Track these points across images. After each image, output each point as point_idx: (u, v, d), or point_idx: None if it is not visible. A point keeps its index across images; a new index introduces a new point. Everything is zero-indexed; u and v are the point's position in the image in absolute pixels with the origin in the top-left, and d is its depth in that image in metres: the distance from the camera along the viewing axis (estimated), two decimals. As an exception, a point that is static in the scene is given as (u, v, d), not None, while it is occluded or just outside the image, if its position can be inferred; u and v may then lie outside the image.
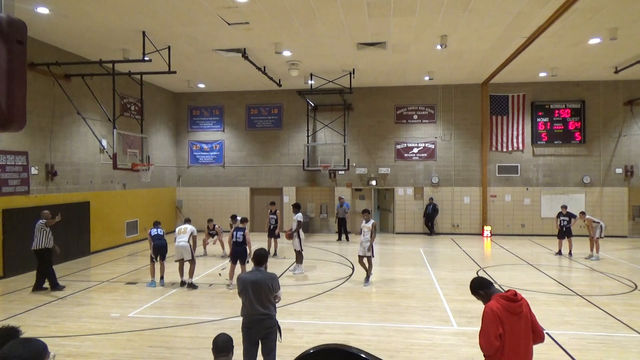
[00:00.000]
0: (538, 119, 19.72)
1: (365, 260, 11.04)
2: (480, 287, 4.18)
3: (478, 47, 14.27)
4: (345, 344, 4.12)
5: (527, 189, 19.85)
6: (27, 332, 3.35)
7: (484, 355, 4.03)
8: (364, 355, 3.45)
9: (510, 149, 19.88)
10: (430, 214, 19.90)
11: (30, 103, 12.69)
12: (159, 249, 10.94)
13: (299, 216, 12.58)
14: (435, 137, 20.33)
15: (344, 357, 3.54)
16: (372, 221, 10.93)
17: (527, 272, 12.50)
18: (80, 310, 9.09)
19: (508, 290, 4.08)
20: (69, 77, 14.14)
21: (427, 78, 18.63)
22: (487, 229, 19.62)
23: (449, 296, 10.02)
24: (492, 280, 4.30)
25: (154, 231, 11.17)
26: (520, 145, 19.81)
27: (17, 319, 8.46)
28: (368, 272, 11.13)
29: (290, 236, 12.39)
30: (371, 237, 10.82)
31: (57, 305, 9.45)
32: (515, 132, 19.84)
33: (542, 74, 18.18)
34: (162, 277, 11.14)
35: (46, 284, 10.65)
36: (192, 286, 10.68)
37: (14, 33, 1.68)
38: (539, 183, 19.80)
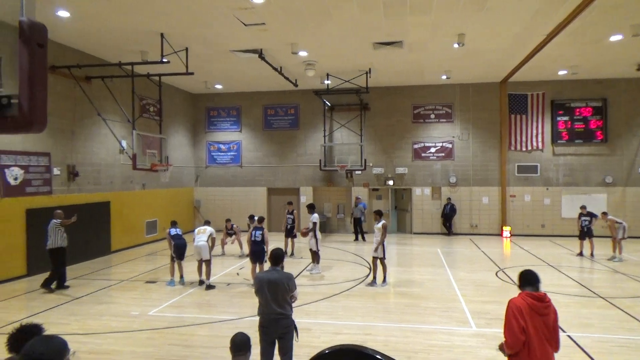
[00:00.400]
0: (558, 118, 19.39)
1: (377, 261, 10.95)
2: (538, 280, 4.13)
3: (496, 45, 14.09)
4: (361, 345, 4.11)
5: (547, 188, 19.53)
6: (49, 330, 3.42)
7: (507, 356, 3.99)
8: (379, 357, 3.43)
9: (529, 148, 19.59)
10: (448, 214, 19.72)
11: (52, 105, 12.96)
12: (180, 249, 11.08)
13: (315, 217, 12.60)
14: (453, 137, 20.14)
15: (360, 357, 3.52)
16: (381, 222, 10.82)
17: (547, 274, 12.29)
18: (102, 309, 9.25)
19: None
20: (89, 79, 14.39)
21: (444, 77, 18.47)
22: (507, 230, 19.37)
23: (468, 297, 9.92)
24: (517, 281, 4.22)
25: (173, 231, 11.30)
26: (540, 144, 19.50)
27: (40, 316, 8.64)
28: (374, 272, 11.05)
29: (305, 234, 12.43)
30: (381, 238, 10.76)
31: (79, 304, 9.63)
32: (534, 131, 19.54)
33: (562, 72, 17.86)
34: (181, 276, 11.27)
35: (53, 285, 10.75)
36: (210, 287, 10.77)
37: (35, 36, 1.71)
38: (559, 183, 19.47)
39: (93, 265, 13.73)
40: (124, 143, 15.63)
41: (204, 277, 10.98)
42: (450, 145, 20.14)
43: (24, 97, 1.72)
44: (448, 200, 19.83)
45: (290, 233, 14.94)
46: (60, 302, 9.71)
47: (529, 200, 19.61)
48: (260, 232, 10.74)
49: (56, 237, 10.57)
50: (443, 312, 8.89)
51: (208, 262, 10.88)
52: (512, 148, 19.70)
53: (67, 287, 10.87)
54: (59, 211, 10.90)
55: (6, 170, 11.56)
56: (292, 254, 14.97)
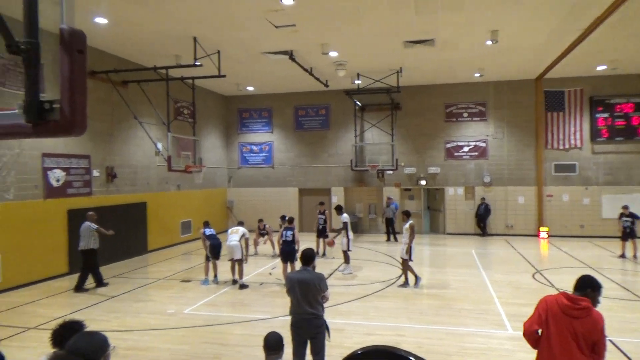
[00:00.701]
0: (597, 115, 18.71)
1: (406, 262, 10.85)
2: (590, 286, 3.91)
3: (531, 41, 13.73)
4: (394, 346, 4.07)
5: (586, 188, 18.87)
6: (90, 326, 3.54)
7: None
8: (412, 358, 3.39)
9: (567, 146, 18.98)
10: (482, 215, 19.33)
11: (92, 109, 13.40)
12: (215, 248, 11.28)
13: (345, 216, 12.60)
14: (487, 135, 19.74)
15: (393, 359, 3.49)
16: (409, 222, 10.70)
17: (587, 275, 11.88)
18: (139, 306, 9.50)
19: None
20: (126, 83, 14.83)
21: (477, 75, 18.12)
22: (544, 230, 18.83)
23: (504, 299, 9.69)
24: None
25: (208, 231, 11.52)
26: (578, 142, 18.87)
27: (82, 313, 8.95)
28: (405, 274, 10.93)
29: (332, 244, 12.54)
30: (408, 239, 10.64)
31: (118, 301, 9.93)
32: (572, 129, 18.92)
33: (601, 67, 17.24)
34: (215, 276, 11.46)
35: (86, 285, 11.01)
36: (243, 286, 10.91)
37: (75, 43, 1.78)
38: (598, 182, 18.79)
39: (131, 264, 14.12)
40: (159, 145, 16.02)
41: (236, 276, 11.14)
42: (484, 144, 19.75)
43: (65, 102, 1.79)
44: (482, 200, 19.44)
45: (322, 233, 14.98)
46: (100, 300, 10.03)
47: (567, 200, 19.01)
48: (291, 232, 10.84)
49: (89, 239, 10.81)
50: (478, 314, 8.72)
51: (240, 262, 11.03)
52: (549, 146, 19.14)
53: (106, 284, 11.19)
54: (91, 213, 11.19)
55: (49, 172, 12.03)
56: (323, 254, 15.00)
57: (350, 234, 12.46)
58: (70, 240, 12.43)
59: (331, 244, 12.72)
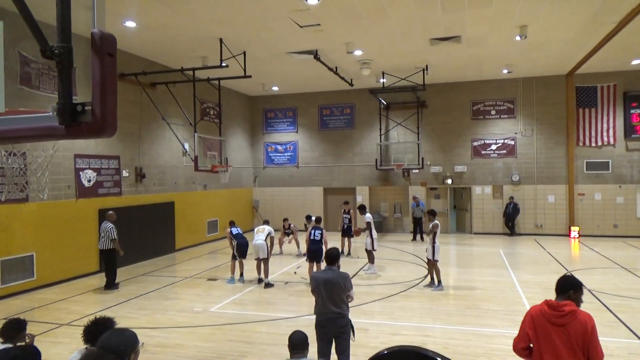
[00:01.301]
0: (632, 111, 18.10)
1: (431, 263, 10.71)
2: (571, 287, 3.74)
3: (561, 36, 13.38)
4: (421, 347, 4.03)
5: (620, 186, 18.29)
6: (120, 323, 3.62)
7: None
8: (439, 359, 3.36)
9: (599, 143, 18.44)
10: (511, 214, 18.95)
11: (121, 110, 13.70)
12: (242, 247, 11.40)
13: (368, 216, 12.56)
14: (515, 133, 19.34)
15: (420, 359, 3.46)
16: (433, 222, 10.59)
17: (621, 277, 11.53)
18: (168, 304, 9.68)
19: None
20: (154, 85, 15.11)
21: (505, 71, 17.78)
22: (575, 230, 18.34)
23: (533, 300, 9.48)
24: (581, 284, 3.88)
25: (234, 230, 11.65)
26: (611, 139, 18.30)
27: (112, 310, 9.17)
28: (430, 274, 10.80)
29: (358, 232, 12.48)
30: (431, 238, 10.50)
31: (147, 299, 10.13)
32: (605, 126, 18.36)
33: (636, 62, 16.68)
34: (241, 274, 11.58)
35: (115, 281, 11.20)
36: (268, 285, 10.99)
37: (105, 46, 1.82)
38: (633, 180, 18.18)
39: (159, 262, 14.39)
40: (186, 145, 16.27)
41: (262, 275, 11.22)
42: (512, 142, 19.36)
43: (96, 104, 1.83)
44: (511, 199, 19.07)
45: (346, 233, 14.96)
46: (130, 297, 10.26)
47: (600, 199, 18.47)
48: (320, 232, 10.88)
49: (107, 240, 10.93)
50: (506, 315, 8.56)
51: (266, 261, 11.11)
52: (581, 144, 18.63)
53: (117, 287, 11.12)
54: (111, 212, 11.36)
55: (81, 173, 12.37)
56: (348, 254, 14.97)
57: (374, 233, 12.40)
58: (99, 239, 12.66)
59: (358, 232, 12.66)
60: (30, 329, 4.70)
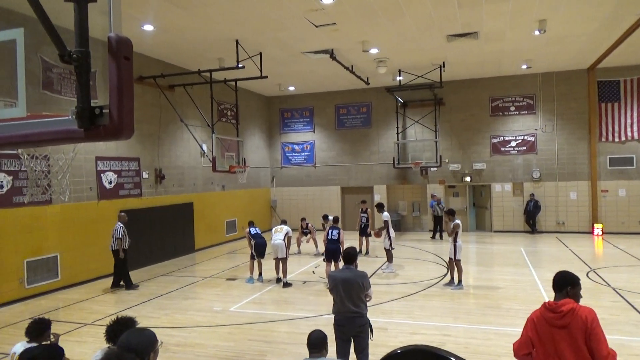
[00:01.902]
0: (657, 104, 17.65)
1: (452, 262, 10.60)
2: (569, 283, 3.60)
3: (582, 29, 13.11)
4: (434, 346, 3.99)
5: (646, 182, 17.86)
6: (141, 322, 3.68)
7: None
8: (452, 359, 3.32)
9: (623, 138, 18.01)
10: (532, 211, 18.66)
11: (141, 113, 13.92)
12: (260, 247, 11.46)
13: (386, 215, 12.50)
14: (536, 129, 19.03)
15: (432, 359, 3.43)
16: (454, 222, 10.47)
17: (647, 275, 11.26)
18: (187, 304, 9.79)
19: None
20: (172, 87, 15.29)
21: (524, 66, 17.51)
22: (598, 227, 17.96)
23: (555, 299, 9.31)
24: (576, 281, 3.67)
25: (253, 230, 11.72)
26: (636, 134, 17.85)
27: (134, 310, 9.31)
28: (451, 273, 10.69)
29: (378, 234, 12.42)
30: (452, 238, 10.39)
31: (168, 299, 10.26)
32: (629, 120, 17.93)
33: (661, 54, 16.27)
34: (260, 274, 11.64)
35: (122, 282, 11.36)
36: (287, 284, 11.02)
37: (122, 50, 1.84)
38: (659, 175, 17.73)
39: (179, 263, 14.56)
40: (204, 147, 16.43)
41: (280, 274, 11.27)
42: (532, 139, 19.05)
43: (113, 107, 1.86)
44: (531, 196, 18.76)
45: (364, 232, 14.92)
46: (150, 297, 10.41)
47: (624, 195, 18.04)
48: (337, 231, 10.90)
49: (115, 239, 11.09)
50: (527, 314, 8.36)
51: (284, 260, 11.15)
52: (603, 139, 18.23)
53: (123, 286, 11.29)
54: (122, 214, 11.53)
55: (102, 175, 12.59)
56: (366, 253, 14.92)
57: (392, 232, 12.34)
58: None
59: (378, 234, 12.60)
60: (55, 328, 4.81)
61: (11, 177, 10.14)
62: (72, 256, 11.54)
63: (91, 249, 12.04)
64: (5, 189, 10.01)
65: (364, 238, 15.02)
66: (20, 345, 4.31)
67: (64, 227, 11.38)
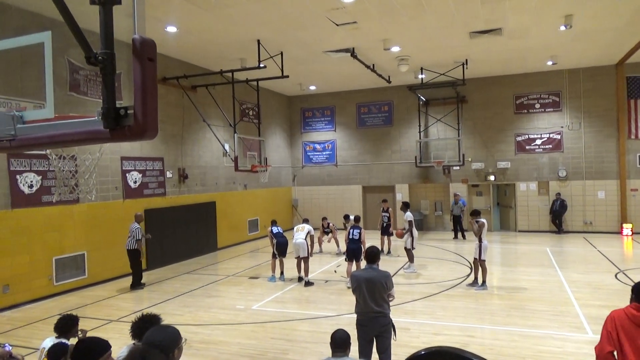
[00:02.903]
0: (690, 100, 17.07)
1: (477, 262, 10.44)
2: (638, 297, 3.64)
3: (610, 24, 12.76)
4: (458, 347, 3.94)
5: (678, 180, 17.29)
6: (165, 320, 3.73)
7: None
8: None
9: (654, 135, 17.47)
10: (558, 211, 18.26)
11: (164, 113, 14.12)
12: (281, 246, 11.51)
13: (409, 215, 12.40)
14: (562, 127, 18.62)
15: (457, 361, 3.38)
16: (479, 221, 10.33)
17: (679, 276, 10.90)
18: (211, 302, 9.90)
19: None
20: (195, 88, 15.47)
21: (550, 63, 17.15)
22: (627, 227, 17.46)
23: (583, 301, 9.11)
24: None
25: (275, 229, 11.77)
26: (668, 131, 17.31)
27: (158, 307, 9.46)
28: (475, 273, 10.54)
29: (401, 235, 12.33)
30: (478, 237, 10.24)
31: (191, 296, 10.40)
32: (660, 117, 17.39)
33: (694, 48, 15.71)
34: (282, 273, 11.68)
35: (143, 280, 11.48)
36: (309, 283, 11.05)
37: (146, 51, 1.87)
38: (693, 174, 17.14)
39: (202, 261, 14.73)
40: (226, 146, 16.58)
41: (302, 273, 11.29)
42: (558, 136, 18.65)
43: (137, 107, 1.89)
44: (557, 195, 18.37)
45: (385, 231, 14.85)
46: (175, 295, 10.56)
47: (655, 194, 17.52)
48: (358, 231, 10.87)
49: (132, 240, 11.16)
50: (554, 315, 8.26)
51: (306, 259, 11.17)
52: (633, 137, 17.71)
53: (143, 285, 11.38)
54: (139, 213, 11.67)
55: (127, 174, 12.83)
56: (388, 252, 14.84)
57: (415, 232, 12.26)
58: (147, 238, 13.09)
59: (400, 234, 12.51)
60: (82, 324, 4.92)
61: (40, 177, 10.42)
62: (99, 254, 11.79)
63: (117, 247, 12.25)
64: (34, 189, 10.29)
65: (385, 237, 14.94)
66: (49, 341, 4.42)
67: (91, 225, 11.63)
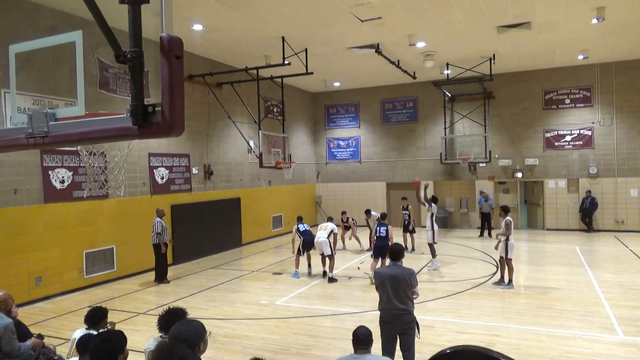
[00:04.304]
0: None
1: (503, 260, 10.26)
2: None
3: (646, 15, 12.34)
4: (484, 347, 3.89)
5: None
6: (191, 313, 3.79)
7: None
8: None
9: (691, 131, 16.83)
10: (588, 209, 17.79)
11: (190, 110, 14.32)
12: (308, 244, 11.56)
13: (434, 208, 12.32)
14: (593, 123, 18.11)
15: (484, 360, 3.34)
16: (505, 219, 10.14)
17: None
18: (235, 297, 10.02)
19: None
20: (220, 85, 15.63)
21: (581, 57, 16.69)
22: (662, 226, 16.90)
23: (613, 301, 8.86)
24: None
25: (302, 227, 11.81)
26: None
27: (184, 301, 9.62)
28: (501, 272, 10.35)
29: (418, 183, 12.50)
30: (504, 236, 10.07)
31: (216, 291, 10.54)
32: (698, 112, 16.73)
33: None
34: (309, 265, 11.80)
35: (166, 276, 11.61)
36: (332, 280, 11.06)
37: (173, 49, 1.90)
38: None
39: (227, 256, 14.91)
40: (251, 143, 16.72)
41: (327, 268, 11.32)
42: (589, 133, 18.15)
43: (165, 105, 1.93)
44: (588, 193, 17.90)
45: (407, 228, 14.75)
46: (200, 289, 10.72)
47: (692, 193, 16.89)
48: (385, 228, 10.85)
49: (154, 234, 11.35)
50: (583, 316, 8.07)
51: (331, 257, 11.20)
52: (668, 133, 17.10)
53: (168, 281, 11.51)
54: (160, 209, 11.79)
55: (155, 170, 13.07)
56: (412, 250, 14.73)
57: (435, 226, 12.17)
58: (173, 233, 13.35)
59: (417, 182, 12.52)
60: (111, 316, 5.05)
61: (71, 173, 10.71)
62: (127, 248, 12.06)
63: (145, 242, 12.47)
64: (66, 184, 10.58)
65: (407, 235, 14.84)
66: (80, 332, 4.56)
67: (120, 220, 11.90)
